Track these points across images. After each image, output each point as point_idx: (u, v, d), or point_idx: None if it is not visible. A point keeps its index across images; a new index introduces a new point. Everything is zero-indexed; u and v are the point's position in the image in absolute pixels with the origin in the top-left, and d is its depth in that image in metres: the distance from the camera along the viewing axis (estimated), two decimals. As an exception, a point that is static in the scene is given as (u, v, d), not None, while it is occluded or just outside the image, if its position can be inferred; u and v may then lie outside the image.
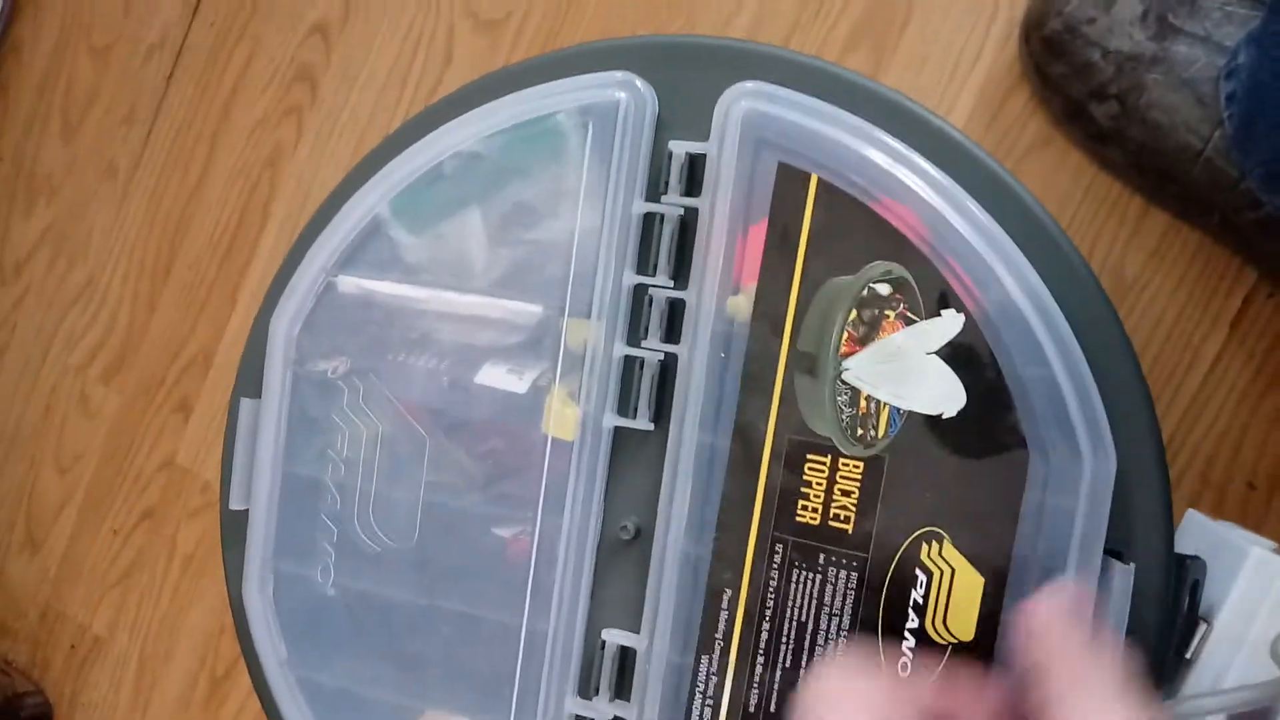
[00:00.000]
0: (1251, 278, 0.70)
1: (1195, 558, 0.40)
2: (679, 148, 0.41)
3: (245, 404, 0.47)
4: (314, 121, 0.97)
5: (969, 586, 0.37)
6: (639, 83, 0.42)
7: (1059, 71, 0.69)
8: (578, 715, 0.42)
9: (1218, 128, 0.63)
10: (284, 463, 0.47)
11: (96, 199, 1.06)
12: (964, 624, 0.37)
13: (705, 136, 0.41)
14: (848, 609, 0.39)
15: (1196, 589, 0.39)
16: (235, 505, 0.47)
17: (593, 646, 0.43)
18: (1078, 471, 0.36)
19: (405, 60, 0.93)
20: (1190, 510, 0.46)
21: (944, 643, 0.37)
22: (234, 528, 0.48)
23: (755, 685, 0.39)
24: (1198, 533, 0.43)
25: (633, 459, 0.43)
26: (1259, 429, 0.70)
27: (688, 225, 0.41)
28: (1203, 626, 0.39)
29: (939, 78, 0.76)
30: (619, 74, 0.42)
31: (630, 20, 0.85)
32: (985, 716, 0.32)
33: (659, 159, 0.42)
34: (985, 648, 0.37)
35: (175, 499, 1.03)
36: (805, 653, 0.39)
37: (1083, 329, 0.37)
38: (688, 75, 0.42)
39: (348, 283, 0.46)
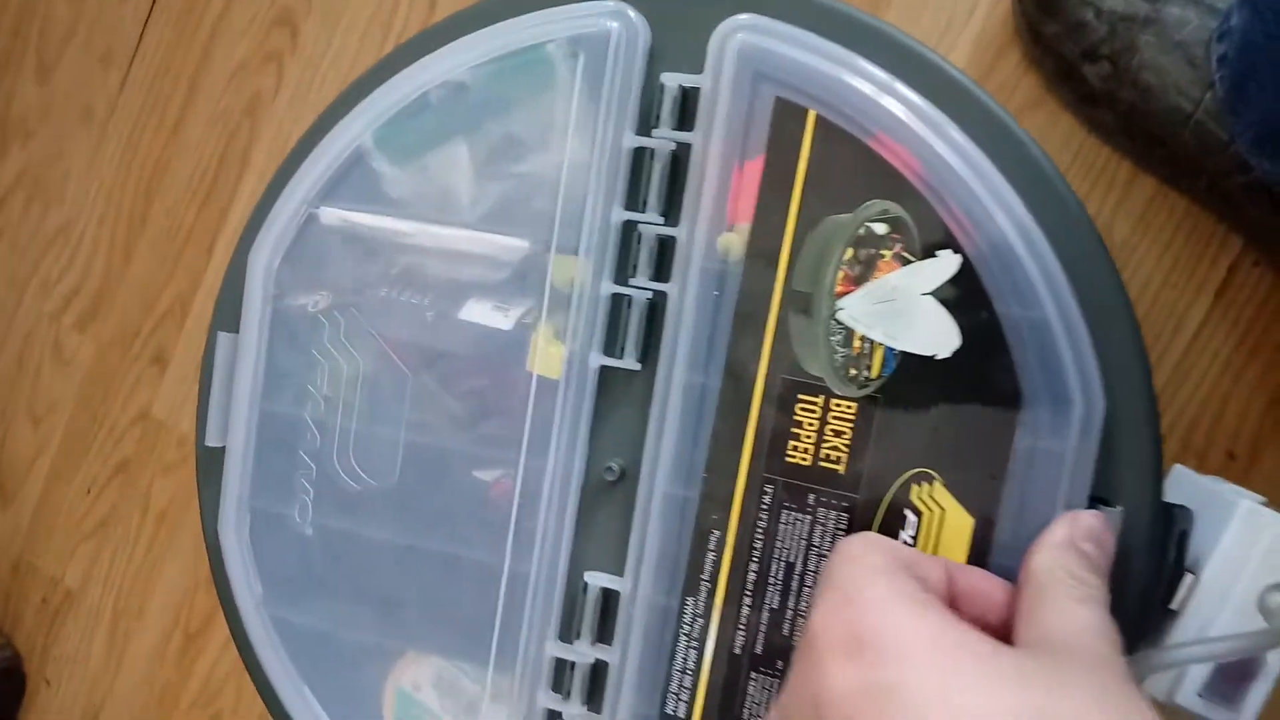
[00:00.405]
0: (1237, 246, 0.70)
1: (1183, 507, 0.39)
2: (672, 80, 0.40)
3: (223, 338, 0.46)
4: (294, 68, 0.95)
5: (959, 527, 0.36)
6: (631, 13, 0.41)
7: (1052, 31, 0.68)
8: (559, 658, 0.42)
9: (1208, 90, 0.63)
10: (262, 399, 0.46)
11: (72, 142, 1.04)
12: (953, 566, 0.36)
13: (698, 69, 0.40)
14: (836, 551, 0.38)
15: (1184, 539, 0.39)
16: (211, 442, 0.46)
17: (575, 589, 0.42)
18: (1067, 414, 0.35)
19: (388, 5, 0.91)
20: (1177, 465, 0.45)
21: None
22: (210, 466, 0.47)
23: (741, 626, 0.39)
24: (1185, 487, 0.43)
25: (619, 399, 0.42)
26: (1241, 397, 0.70)
27: (679, 160, 0.40)
28: (1189, 578, 0.39)
29: (931, 34, 0.75)
30: (611, 3, 0.41)
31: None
32: (994, 608, 0.34)
33: (651, 92, 0.41)
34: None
35: (150, 453, 1.01)
36: (793, 594, 0.38)
37: (1076, 271, 0.36)
38: (681, 7, 0.41)
39: (330, 215, 0.45)
